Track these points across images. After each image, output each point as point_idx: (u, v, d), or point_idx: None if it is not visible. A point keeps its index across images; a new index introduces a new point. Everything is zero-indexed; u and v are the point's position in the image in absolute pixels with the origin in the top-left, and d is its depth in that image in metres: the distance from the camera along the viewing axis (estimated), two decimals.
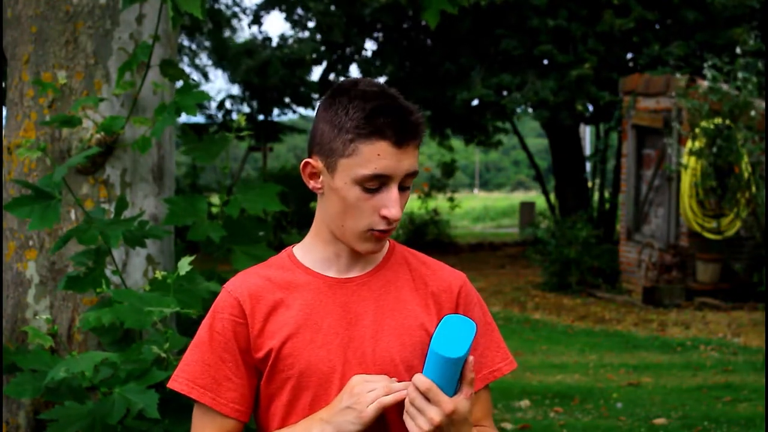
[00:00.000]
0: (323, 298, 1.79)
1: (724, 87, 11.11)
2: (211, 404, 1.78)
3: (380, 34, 16.77)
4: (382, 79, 16.77)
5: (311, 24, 17.80)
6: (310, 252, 1.84)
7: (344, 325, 1.78)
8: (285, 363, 1.76)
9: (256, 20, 19.17)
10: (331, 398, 1.75)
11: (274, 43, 18.86)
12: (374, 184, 1.72)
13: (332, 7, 16.29)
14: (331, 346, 1.76)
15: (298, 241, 1.91)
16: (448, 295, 1.84)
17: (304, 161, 1.79)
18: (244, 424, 1.83)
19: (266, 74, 17.98)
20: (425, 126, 1.77)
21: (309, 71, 18.42)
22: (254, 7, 18.65)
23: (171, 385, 1.81)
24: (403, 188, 1.76)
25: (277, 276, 1.82)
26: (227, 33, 19.82)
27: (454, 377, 1.70)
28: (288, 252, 1.86)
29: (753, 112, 10.91)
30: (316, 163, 1.77)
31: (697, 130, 11.02)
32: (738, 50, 11.47)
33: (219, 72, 21.37)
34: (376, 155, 1.70)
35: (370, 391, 1.70)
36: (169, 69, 3.14)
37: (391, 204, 1.73)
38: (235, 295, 1.79)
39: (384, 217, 1.74)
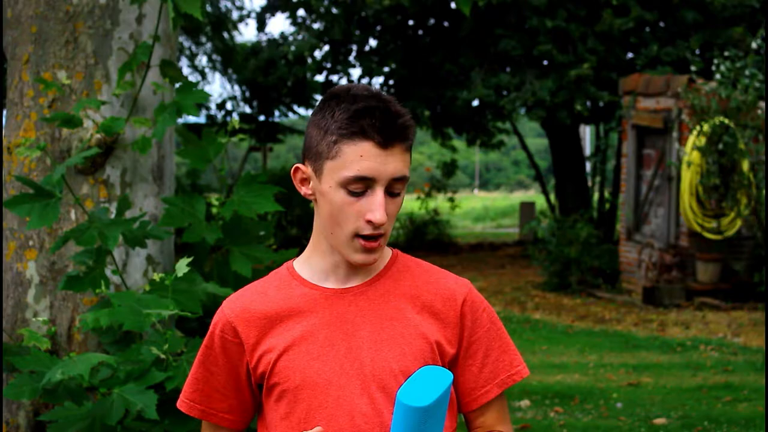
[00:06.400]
0: (320, 310, 1.78)
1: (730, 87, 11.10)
2: (201, 416, 1.85)
3: (382, 34, 16.74)
4: (381, 79, 16.48)
5: (314, 24, 17.76)
6: (308, 264, 1.83)
7: (341, 336, 1.76)
8: (281, 376, 1.77)
9: (262, 27, 19.13)
10: (325, 410, 1.74)
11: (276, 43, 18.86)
12: (359, 186, 1.69)
13: (333, 10, 16.27)
14: (327, 358, 1.75)
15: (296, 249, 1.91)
16: (452, 304, 1.81)
17: (294, 166, 1.78)
18: None
19: (269, 73, 17.99)
20: (414, 129, 1.74)
21: (306, 71, 18.40)
22: (258, 10, 18.59)
23: (178, 404, 1.89)
24: (392, 194, 1.72)
25: (273, 291, 1.82)
26: (234, 36, 19.82)
27: (421, 428, 1.66)
28: (288, 265, 1.86)
29: (760, 111, 10.89)
30: (306, 168, 1.77)
31: (704, 126, 10.98)
32: (753, 45, 11.40)
33: (217, 74, 21.28)
34: (358, 156, 1.68)
35: None
36: (169, 69, 3.14)
37: (376, 207, 1.69)
38: (227, 317, 1.82)
39: (369, 222, 1.70)
